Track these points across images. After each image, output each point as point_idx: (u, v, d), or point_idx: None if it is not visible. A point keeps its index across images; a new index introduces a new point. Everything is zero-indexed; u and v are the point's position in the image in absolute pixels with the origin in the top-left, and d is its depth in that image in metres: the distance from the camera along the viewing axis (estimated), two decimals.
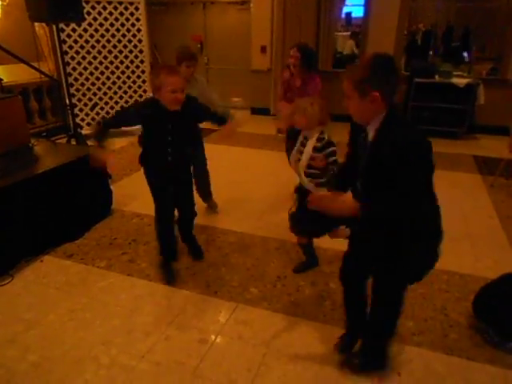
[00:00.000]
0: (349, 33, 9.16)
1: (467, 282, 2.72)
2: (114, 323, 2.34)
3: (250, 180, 4.40)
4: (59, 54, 4.62)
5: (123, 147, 5.21)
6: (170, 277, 2.73)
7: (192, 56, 3.07)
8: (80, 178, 3.35)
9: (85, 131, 5.49)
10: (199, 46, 7.92)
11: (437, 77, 6.07)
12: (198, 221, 3.41)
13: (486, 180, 4.53)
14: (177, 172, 2.58)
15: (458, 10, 8.64)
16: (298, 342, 2.20)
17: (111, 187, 3.70)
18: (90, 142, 4.41)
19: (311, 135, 2.41)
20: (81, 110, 5.88)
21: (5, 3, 5.12)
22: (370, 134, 1.56)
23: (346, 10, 9.10)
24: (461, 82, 5.89)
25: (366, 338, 2.01)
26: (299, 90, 3.44)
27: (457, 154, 5.47)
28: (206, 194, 3.66)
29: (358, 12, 8.84)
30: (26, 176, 2.97)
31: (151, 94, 2.36)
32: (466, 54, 7.26)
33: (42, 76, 5.27)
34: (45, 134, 4.97)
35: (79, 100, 5.84)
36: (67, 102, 4.69)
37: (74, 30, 5.52)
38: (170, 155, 2.46)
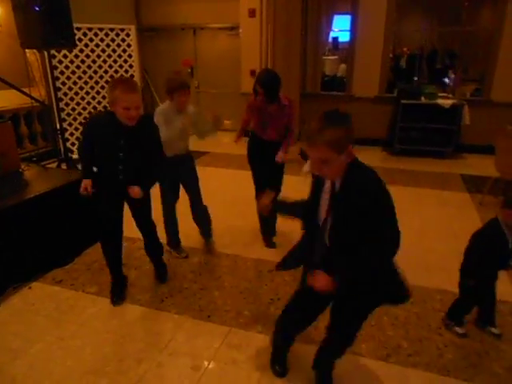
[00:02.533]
0: (336, 57, 9.43)
1: None
2: (104, 351, 2.28)
3: (241, 202, 4.40)
4: (50, 80, 4.64)
5: None
6: (115, 297, 2.74)
7: (182, 85, 2.86)
8: (70, 202, 3.32)
9: (75, 155, 5.48)
10: (189, 70, 8.05)
11: (423, 98, 6.22)
12: (189, 243, 3.40)
13: (474, 198, 4.59)
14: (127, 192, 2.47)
15: (440, 34, 8.96)
16: (294, 365, 2.16)
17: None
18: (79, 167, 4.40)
19: None
20: (71, 134, 5.90)
21: None
22: (337, 185, 1.53)
23: (332, 34, 9.37)
24: (446, 102, 6.04)
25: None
26: (273, 115, 3.15)
27: (445, 173, 5.57)
28: (204, 232, 3.44)
29: (344, 37, 9.12)
30: (16, 201, 2.93)
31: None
32: (447, 80, 7.48)
33: (33, 101, 5.29)
34: (35, 158, 4.95)
35: (70, 124, 5.87)
36: (58, 126, 4.68)
37: (65, 56, 5.59)
38: (122, 173, 2.41)
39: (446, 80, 7.49)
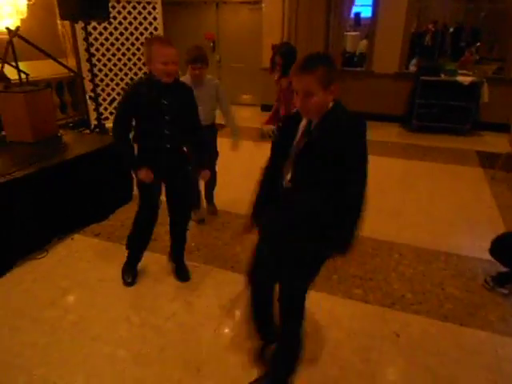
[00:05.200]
0: (358, 33, 9.37)
1: (464, 262, 2.95)
2: (140, 291, 2.61)
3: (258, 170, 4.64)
4: (82, 51, 4.90)
5: None
6: (130, 276, 2.71)
7: (195, 58, 2.87)
8: (104, 165, 3.62)
9: (108, 123, 5.78)
10: (212, 44, 8.19)
11: (442, 75, 6.27)
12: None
13: (487, 173, 4.72)
14: (173, 162, 2.44)
15: (466, 10, 8.80)
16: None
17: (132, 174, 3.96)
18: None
19: None
20: (99, 104, 6.16)
21: (31, 3, 5.40)
22: (314, 122, 1.56)
23: (355, 10, 9.30)
24: (465, 80, 6.09)
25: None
26: (287, 90, 3.19)
27: (460, 149, 5.68)
28: (207, 196, 3.66)
29: (367, 12, 9.05)
30: (59, 160, 3.24)
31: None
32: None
33: (66, 71, 5.57)
34: (71, 124, 5.26)
35: (98, 95, 6.12)
36: (91, 95, 4.96)
37: (94, 28, 5.81)
38: (168, 139, 2.33)
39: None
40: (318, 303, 2.47)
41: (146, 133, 2.35)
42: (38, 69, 6.11)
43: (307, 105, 1.51)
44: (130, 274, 2.72)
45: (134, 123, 2.37)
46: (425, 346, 2.18)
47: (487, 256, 2.86)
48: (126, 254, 2.74)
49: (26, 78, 4.90)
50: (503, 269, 2.63)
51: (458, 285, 2.69)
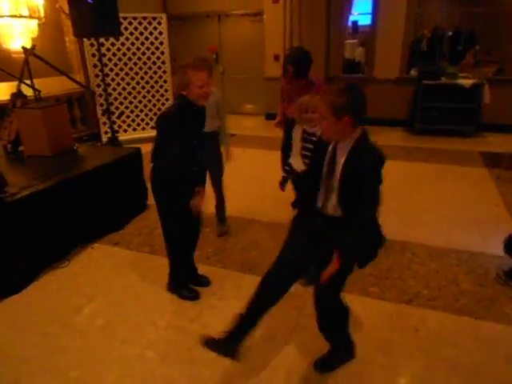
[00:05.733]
0: (355, 40, 9.56)
1: (476, 258, 3.03)
2: (164, 296, 2.69)
3: (272, 178, 4.74)
4: (93, 66, 5.04)
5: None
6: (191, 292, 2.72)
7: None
8: (120, 175, 3.73)
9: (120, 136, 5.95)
10: (215, 56, 8.36)
11: (443, 78, 6.39)
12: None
13: (492, 173, 4.80)
14: (201, 179, 2.49)
15: (462, 15, 8.97)
16: None
17: (146, 184, 4.06)
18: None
19: None
20: (108, 117, 6.30)
21: (41, 22, 5.58)
22: (340, 153, 1.76)
23: (352, 18, 9.49)
24: (466, 82, 6.21)
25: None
26: (299, 91, 3.14)
27: (465, 150, 5.77)
28: (219, 214, 3.56)
29: (363, 20, 9.25)
30: (79, 172, 3.36)
31: (169, 101, 2.38)
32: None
33: (74, 87, 5.73)
34: (85, 138, 5.41)
35: (103, 111, 6.27)
36: (104, 109, 5.10)
37: (102, 45, 5.95)
38: (195, 164, 2.39)
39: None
40: None
41: (180, 157, 2.29)
42: (47, 85, 6.27)
43: (322, 125, 1.78)
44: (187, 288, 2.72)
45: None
46: (443, 339, 2.25)
47: (498, 252, 2.96)
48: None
49: (39, 94, 5.06)
50: None
51: (472, 280, 2.76)
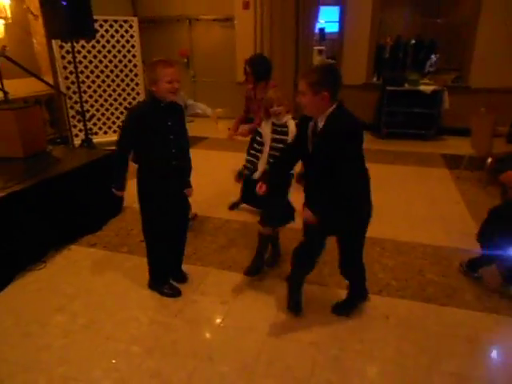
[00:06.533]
0: (323, 47, 9.85)
1: (440, 252, 3.25)
2: (145, 293, 2.73)
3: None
4: (63, 68, 4.99)
5: None
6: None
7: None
8: (96, 177, 3.72)
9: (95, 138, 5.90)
10: (186, 60, 8.41)
11: (406, 85, 6.73)
12: (203, 213, 3.82)
13: (453, 174, 5.13)
14: (180, 178, 2.56)
15: (422, 24, 9.47)
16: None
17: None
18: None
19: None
20: (79, 120, 6.22)
21: (7, 22, 5.45)
22: (321, 124, 2.00)
23: (319, 26, 9.78)
24: (427, 88, 6.58)
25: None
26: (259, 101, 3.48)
27: (427, 152, 6.11)
28: None
29: (330, 28, 9.59)
30: (55, 174, 3.33)
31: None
32: (427, 69, 8.01)
33: (42, 89, 5.63)
34: (59, 140, 5.33)
35: (77, 112, 6.19)
36: (79, 110, 5.07)
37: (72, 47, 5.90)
38: (175, 157, 2.44)
39: (427, 69, 8.02)
40: (313, 293, 2.69)
41: (153, 153, 2.40)
42: (14, 87, 6.12)
43: (301, 101, 1.98)
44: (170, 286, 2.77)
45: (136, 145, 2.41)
46: (411, 324, 2.43)
47: (460, 245, 3.19)
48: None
49: (7, 96, 4.96)
50: (475, 256, 2.92)
51: (436, 271, 2.97)
